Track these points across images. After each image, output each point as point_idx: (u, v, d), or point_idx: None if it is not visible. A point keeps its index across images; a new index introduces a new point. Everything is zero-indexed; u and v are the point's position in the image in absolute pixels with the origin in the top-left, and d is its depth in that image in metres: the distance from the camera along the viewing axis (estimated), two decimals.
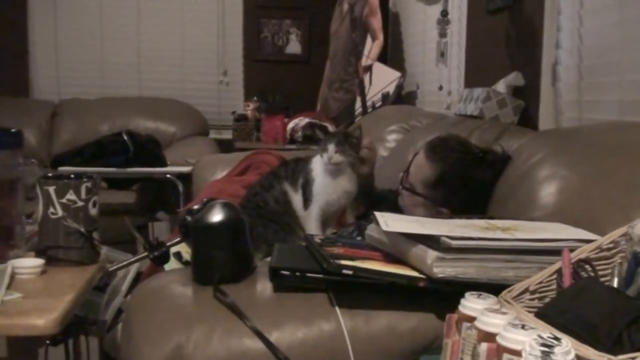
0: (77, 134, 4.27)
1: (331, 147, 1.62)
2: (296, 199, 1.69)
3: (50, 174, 1.48)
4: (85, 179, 1.43)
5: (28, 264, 1.36)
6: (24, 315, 1.15)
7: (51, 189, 1.40)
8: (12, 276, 1.30)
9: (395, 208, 1.85)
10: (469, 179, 1.74)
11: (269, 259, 1.40)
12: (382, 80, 3.94)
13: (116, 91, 4.75)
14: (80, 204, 1.41)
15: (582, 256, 1.02)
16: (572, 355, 0.74)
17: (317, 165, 1.68)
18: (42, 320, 1.13)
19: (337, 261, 1.16)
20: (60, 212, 1.40)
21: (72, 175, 1.44)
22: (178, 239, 1.50)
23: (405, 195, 1.84)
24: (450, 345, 0.95)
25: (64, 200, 1.40)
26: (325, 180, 1.66)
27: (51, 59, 4.83)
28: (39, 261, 1.37)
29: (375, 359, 1.13)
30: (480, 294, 0.95)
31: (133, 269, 1.80)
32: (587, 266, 1.01)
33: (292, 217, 1.69)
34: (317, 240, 1.38)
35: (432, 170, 1.76)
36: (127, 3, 4.87)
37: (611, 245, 1.04)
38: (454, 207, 1.73)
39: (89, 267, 1.42)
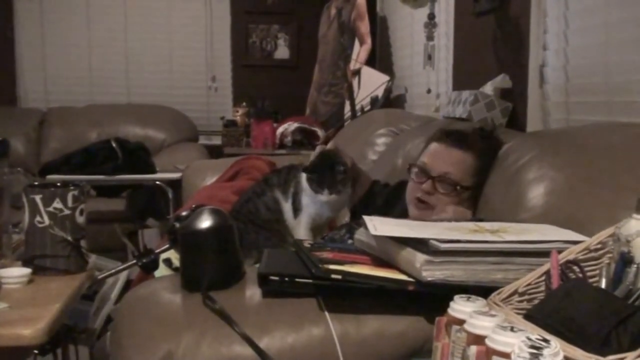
0: (65, 142, 4.24)
1: (326, 192, 1.64)
2: (286, 207, 1.68)
3: (36, 183, 1.47)
4: (71, 187, 1.42)
5: (15, 273, 1.34)
6: (10, 325, 1.14)
7: (37, 198, 1.39)
8: None
9: (389, 201, 1.84)
10: (494, 151, 1.75)
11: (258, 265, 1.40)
12: (370, 83, 3.94)
13: (104, 98, 4.73)
14: (67, 212, 1.40)
15: (570, 257, 1.03)
16: (561, 356, 0.74)
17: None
18: (29, 330, 1.12)
19: (326, 266, 1.16)
20: (47, 221, 1.39)
21: (58, 184, 1.44)
22: (167, 246, 1.49)
23: (442, 199, 1.70)
24: (440, 348, 0.95)
25: (50, 209, 1.39)
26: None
27: (39, 67, 4.80)
28: (26, 270, 1.36)
29: None
30: (469, 297, 0.94)
31: (122, 277, 1.79)
32: (575, 267, 1.02)
33: (283, 225, 1.69)
34: (306, 245, 1.38)
35: (471, 158, 1.73)
36: (115, 10, 4.85)
37: (599, 246, 1.04)
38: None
39: (77, 276, 1.41)
